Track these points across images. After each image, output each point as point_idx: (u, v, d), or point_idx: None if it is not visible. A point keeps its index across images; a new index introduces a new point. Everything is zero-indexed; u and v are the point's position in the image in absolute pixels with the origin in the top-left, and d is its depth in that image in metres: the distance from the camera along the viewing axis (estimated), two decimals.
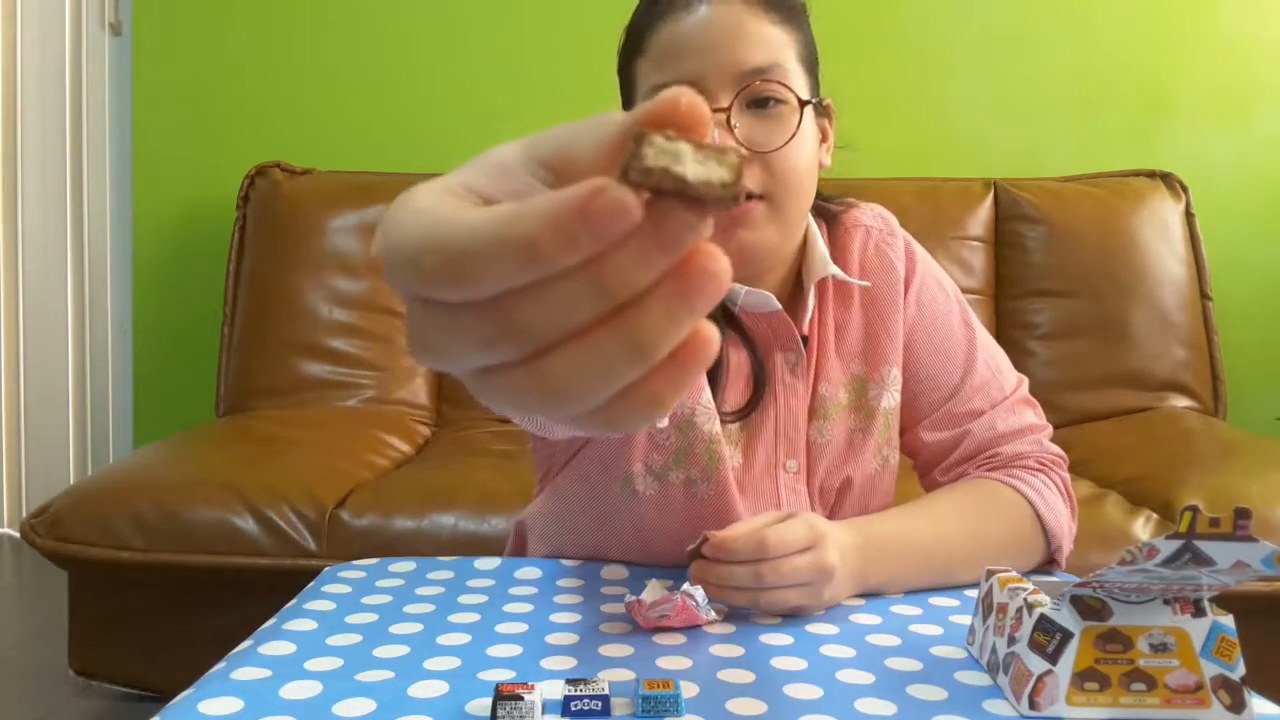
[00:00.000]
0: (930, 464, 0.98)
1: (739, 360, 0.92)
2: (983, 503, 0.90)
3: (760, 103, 0.84)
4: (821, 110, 0.91)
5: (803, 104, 0.84)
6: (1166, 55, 2.53)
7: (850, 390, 0.95)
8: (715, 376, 0.91)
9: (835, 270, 0.92)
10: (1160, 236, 2.27)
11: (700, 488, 0.90)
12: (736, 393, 0.92)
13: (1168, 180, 2.34)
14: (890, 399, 0.95)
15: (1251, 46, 2.52)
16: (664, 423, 0.88)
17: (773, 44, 0.84)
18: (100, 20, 2.58)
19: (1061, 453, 0.97)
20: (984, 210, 2.33)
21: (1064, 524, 0.92)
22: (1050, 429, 0.99)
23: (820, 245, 0.93)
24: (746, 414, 0.91)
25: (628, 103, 0.92)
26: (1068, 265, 2.26)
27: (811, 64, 0.89)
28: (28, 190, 2.53)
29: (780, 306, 0.89)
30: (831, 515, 0.94)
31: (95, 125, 2.60)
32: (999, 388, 0.96)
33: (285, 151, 2.40)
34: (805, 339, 0.92)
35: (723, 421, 0.90)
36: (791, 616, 0.78)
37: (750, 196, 0.84)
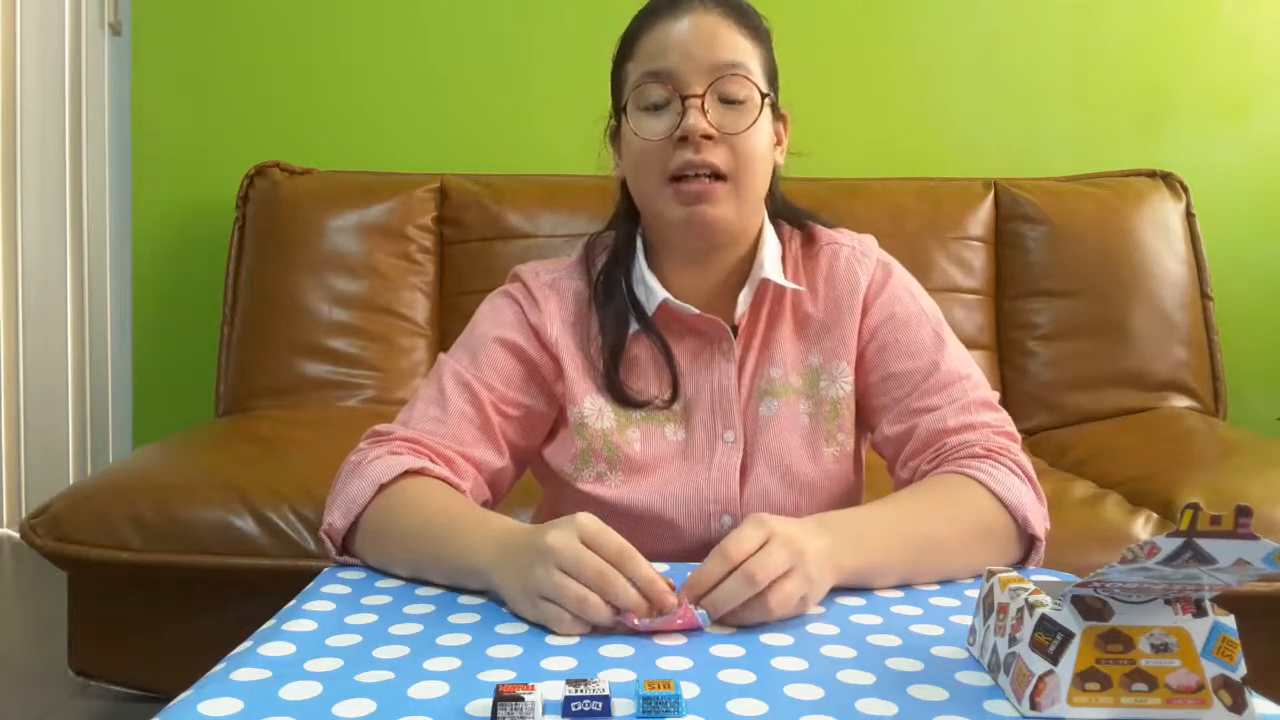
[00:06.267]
0: (892, 460, 1.04)
1: (679, 353, 1.05)
2: (937, 490, 0.94)
3: (729, 99, 0.97)
4: (779, 117, 1.05)
5: (764, 96, 0.98)
6: (1167, 55, 2.53)
7: (805, 377, 1.06)
8: (612, 373, 1.03)
9: (774, 276, 1.03)
10: (1160, 236, 2.27)
11: (610, 478, 1.03)
12: (683, 380, 1.05)
13: (1168, 180, 2.34)
14: (838, 390, 1.05)
15: (1252, 46, 2.52)
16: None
17: (741, 49, 0.99)
18: (100, 20, 2.58)
19: (1011, 442, 0.99)
20: (984, 210, 2.33)
21: (1023, 498, 0.93)
22: (1007, 429, 1.01)
23: (768, 253, 1.04)
24: (670, 402, 1.04)
25: (617, 99, 1.04)
26: (1068, 265, 2.26)
27: (773, 77, 1.03)
28: (28, 190, 2.53)
29: (697, 311, 1.02)
30: (803, 509, 1.02)
31: (95, 125, 2.60)
32: (961, 391, 1.01)
33: (285, 151, 2.40)
34: (736, 329, 1.04)
35: (641, 407, 1.03)
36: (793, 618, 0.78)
37: (717, 178, 0.97)
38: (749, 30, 1.00)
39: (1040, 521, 0.94)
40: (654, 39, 0.98)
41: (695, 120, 0.95)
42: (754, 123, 0.97)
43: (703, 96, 0.96)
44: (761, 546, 0.76)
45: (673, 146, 0.96)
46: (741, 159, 0.97)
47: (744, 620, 0.76)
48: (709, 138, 0.96)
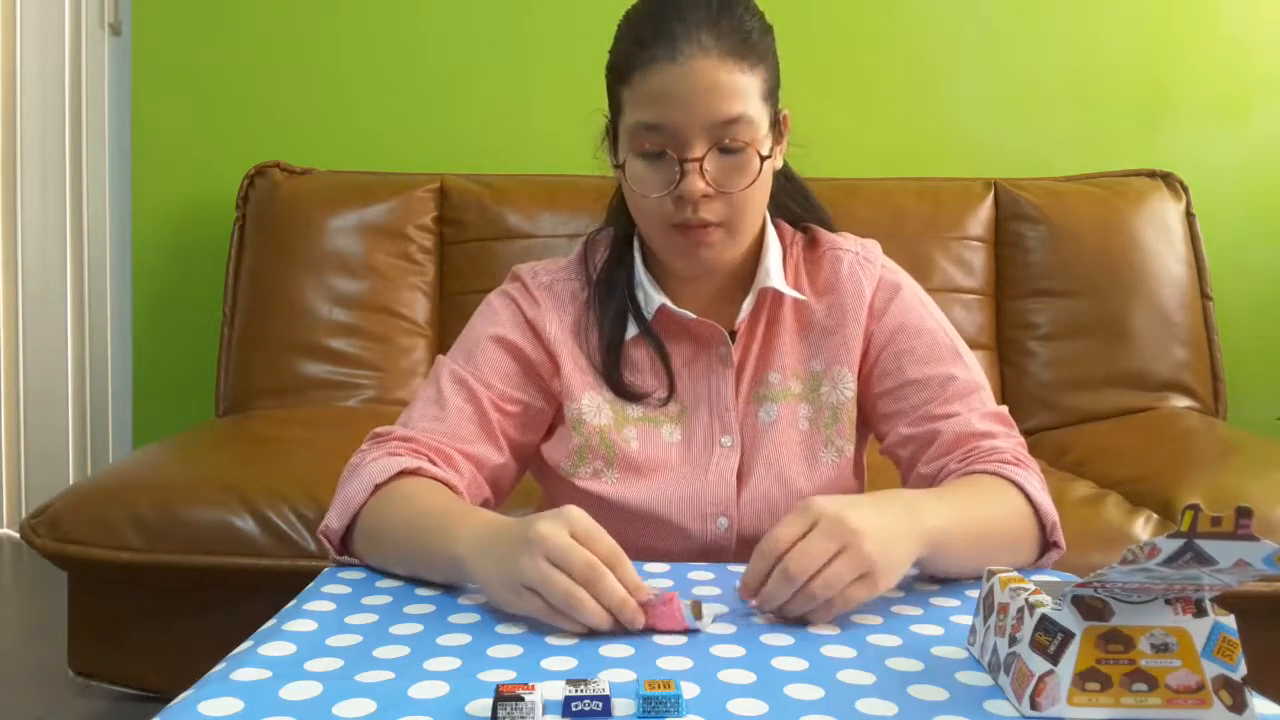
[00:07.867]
0: (912, 460, 1.03)
1: (675, 356, 1.06)
2: (979, 484, 0.95)
3: (728, 151, 0.94)
4: (778, 120, 1.01)
5: (763, 159, 0.95)
6: (1167, 55, 2.53)
7: (804, 382, 1.06)
8: (611, 366, 1.04)
9: (777, 284, 1.03)
10: (1160, 236, 2.27)
11: (606, 475, 1.03)
12: (680, 383, 1.06)
13: (1168, 180, 2.34)
14: (839, 395, 1.05)
15: (1252, 46, 2.52)
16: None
17: (741, 94, 0.93)
18: (100, 20, 2.58)
19: (1029, 457, 1.01)
20: (984, 210, 2.33)
21: (1050, 506, 0.95)
22: (1022, 442, 1.03)
23: (771, 260, 1.04)
24: (665, 401, 1.05)
25: (614, 114, 1.01)
26: (1068, 265, 2.26)
27: (774, 90, 0.99)
28: (28, 190, 2.53)
29: (694, 316, 1.03)
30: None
31: (95, 125, 2.60)
32: (980, 401, 1.02)
33: (285, 151, 2.40)
34: (734, 334, 1.04)
35: (638, 400, 1.04)
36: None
37: (714, 225, 0.96)
38: (750, 63, 0.94)
39: (1060, 536, 0.96)
40: (652, 80, 0.93)
41: (693, 184, 0.93)
42: (752, 183, 0.95)
43: (700, 160, 0.93)
44: (804, 536, 0.75)
45: (671, 201, 0.95)
46: (738, 209, 0.96)
47: (810, 617, 0.76)
48: (707, 196, 0.95)
